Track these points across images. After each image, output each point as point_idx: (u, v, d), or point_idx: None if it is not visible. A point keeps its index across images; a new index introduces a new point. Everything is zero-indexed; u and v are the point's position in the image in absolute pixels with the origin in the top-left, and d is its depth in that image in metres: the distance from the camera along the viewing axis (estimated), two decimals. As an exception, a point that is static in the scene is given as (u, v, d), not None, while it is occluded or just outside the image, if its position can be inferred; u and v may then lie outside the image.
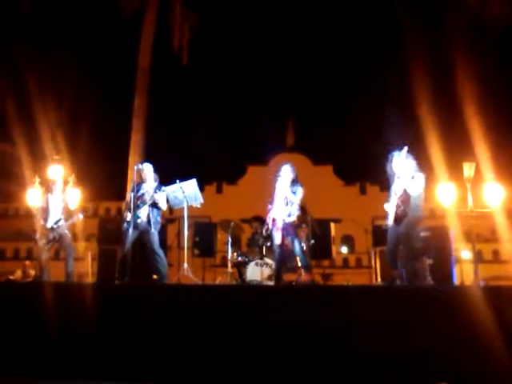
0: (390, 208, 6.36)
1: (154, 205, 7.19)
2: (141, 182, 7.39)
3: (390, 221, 6.36)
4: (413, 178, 6.16)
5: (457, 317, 4.91)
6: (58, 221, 7.61)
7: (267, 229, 7.34)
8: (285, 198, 6.98)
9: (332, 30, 23.03)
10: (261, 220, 9.42)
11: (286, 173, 7.06)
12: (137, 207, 7.13)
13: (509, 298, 5.03)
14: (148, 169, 7.40)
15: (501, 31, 14.58)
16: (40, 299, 5.35)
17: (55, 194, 7.82)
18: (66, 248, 7.67)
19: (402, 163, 6.28)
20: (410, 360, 4.80)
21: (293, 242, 7.06)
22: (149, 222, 7.15)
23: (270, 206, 7.11)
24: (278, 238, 7.03)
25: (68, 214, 7.64)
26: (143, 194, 7.24)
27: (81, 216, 7.89)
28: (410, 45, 16.28)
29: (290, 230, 6.99)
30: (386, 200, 6.50)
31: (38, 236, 7.81)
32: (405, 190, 6.17)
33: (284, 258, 7.33)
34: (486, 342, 4.70)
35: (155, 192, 7.18)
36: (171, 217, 9.89)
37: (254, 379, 4.89)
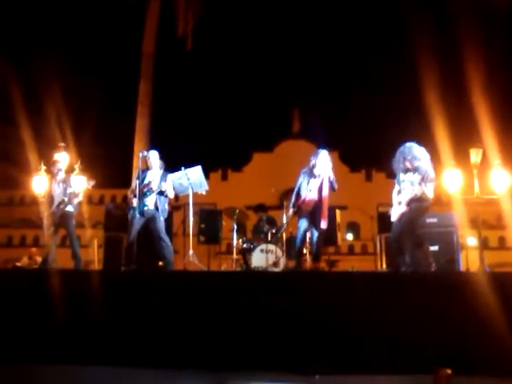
0: (396, 207, 6.33)
1: (161, 193, 7.18)
2: (146, 168, 7.37)
3: (394, 217, 6.35)
4: (423, 180, 6.06)
5: (462, 303, 4.91)
6: (60, 203, 7.63)
7: (294, 205, 7.30)
8: (320, 183, 7.00)
9: (338, 14, 22.83)
10: (265, 207, 9.44)
11: (325, 158, 7.11)
12: (144, 195, 7.12)
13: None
14: (154, 156, 7.38)
15: (508, 16, 14.42)
16: (46, 286, 5.38)
17: (58, 179, 7.84)
18: (69, 231, 7.69)
19: (417, 162, 6.19)
20: (414, 345, 4.81)
21: (314, 230, 7.07)
22: (157, 209, 7.14)
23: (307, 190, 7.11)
24: (304, 230, 7.08)
25: (72, 196, 7.64)
26: (150, 182, 7.22)
27: (91, 183, 7.90)
28: (416, 30, 16.12)
29: (319, 216, 7.00)
30: (394, 189, 6.47)
31: (45, 224, 7.84)
32: (413, 194, 6.11)
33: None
34: (491, 328, 4.70)
35: (161, 180, 7.17)
36: (177, 204, 9.90)
37: (259, 364, 4.92)
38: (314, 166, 7.09)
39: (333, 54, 24.53)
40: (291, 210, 7.32)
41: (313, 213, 7.02)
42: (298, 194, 7.18)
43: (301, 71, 25.51)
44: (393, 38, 20.32)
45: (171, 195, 7.30)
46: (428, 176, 6.07)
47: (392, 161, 6.41)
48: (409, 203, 6.15)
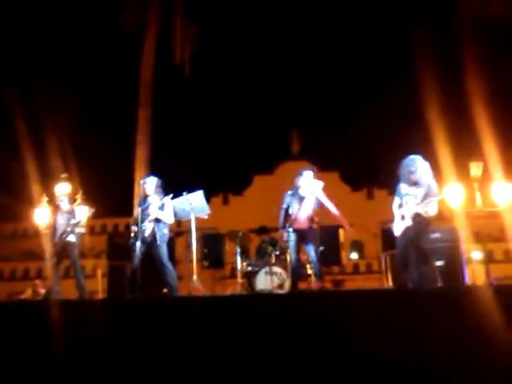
0: (399, 222, 6.32)
1: (159, 220, 7.18)
2: (146, 195, 7.39)
3: (398, 232, 6.34)
4: (426, 196, 6.05)
5: (469, 318, 4.86)
6: (63, 234, 7.63)
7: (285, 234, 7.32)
8: (308, 203, 7.03)
9: (336, 33, 23.03)
10: (267, 229, 9.43)
11: (310, 178, 7.13)
12: (142, 221, 7.13)
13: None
14: (151, 182, 7.40)
15: (507, 28, 14.55)
16: (49, 317, 5.34)
17: (62, 210, 7.86)
18: (72, 261, 7.67)
19: (421, 175, 6.18)
20: (421, 363, 4.75)
21: (309, 249, 7.08)
22: (154, 235, 7.13)
23: (290, 211, 7.13)
24: (295, 245, 7.08)
25: (75, 226, 7.64)
26: (147, 208, 7.22)
27: (91, 211, 7.89)
28: (416, 44, 16.24)
29: (312, 235, 7.03)
30: (394, 203, 6.47)
31: (47, 255, 7.84)
32: (416, 210, 6.10)
33: (300, 265, 7.38)
34: (499, 343, 4.64)
35: (158, 206, 7.17)
36: (179, 230, 9.90)
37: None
38: (299, 187, 7.16)
39: (331, 73, 24.70)
40: (282, 232, 7.38)
41: (304, 232, 7.05)
42: (287, 214, 7.23)
43: (299, 92, 25.68)
44: (392, 54, 20.48)
45: (169, 221, 7.29)
46: (431, 191, 6.06)
47: (398, 171, 6.40)
48: (414, 217, 6.14)
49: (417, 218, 6.11)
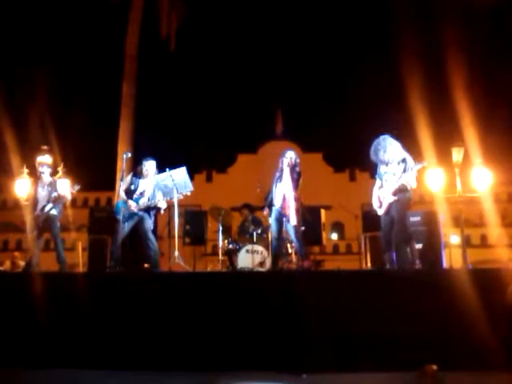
0: (382, 200, 6.38)
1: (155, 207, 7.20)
2: (138, 175, 7.34)
3: (381, 211, 6.41)
4: (405, 170, 6.15)
5: (446, 300, 4.97)
6: (45, 207, 7.56)
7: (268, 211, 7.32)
8: (289, 183, 6.99)
9: (319, 16, 22.93)
10: (250, 208, 9.45)
11: (292, 158, 7.09)
12: (135, 200, 7.12)
13: (495, 280, 5.10)
14: (151, 165, 7.35)
15: (489, 15, 14.61)
16: (30, 289, 5.33)
17: (43, 182, 7.77)
18: (54, 235, 7.62)
19: (392, 152, 6.28)
20: (399, 343, 4.86)
21: (289, 228, 7.07)
22: (148, 213, 7.17)
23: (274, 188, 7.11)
24: (276, 224, 7.07)
25: (56, 199, 7.57)
26: (143, 191, 7.21)
27: (76, 188, 7.82)
28: (398, 29, 16.26)
29: (290, 206, 6.98)
30: (375, 186, 6.53)
31: (28, 227, 7.76)
32: (398, 183, 6.17)
33: (281, 243, 7.39)
34: (474, 323, 4.77)
35: (154, 191, 7.17)
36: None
37: (246, 364, 4.93)
38: (282, 169, 7.11)
39: (315, 54, 24.63)
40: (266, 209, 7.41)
41: (284, 212, 7.02)
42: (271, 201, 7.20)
43: (284, 72, 25.58)
44: (375, 38, 20.47)
45: (164, 206, 7.29)
46: (408, 164, 6.16)
47: (370, 154, 6.47)
48: (395, 193, 6.21)
49: (398, 194, 6.18)
